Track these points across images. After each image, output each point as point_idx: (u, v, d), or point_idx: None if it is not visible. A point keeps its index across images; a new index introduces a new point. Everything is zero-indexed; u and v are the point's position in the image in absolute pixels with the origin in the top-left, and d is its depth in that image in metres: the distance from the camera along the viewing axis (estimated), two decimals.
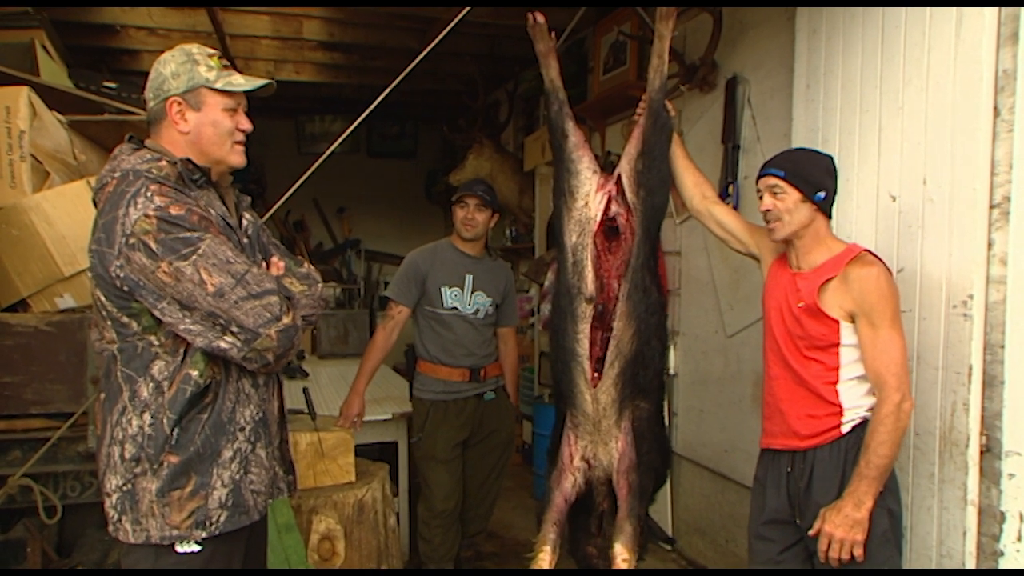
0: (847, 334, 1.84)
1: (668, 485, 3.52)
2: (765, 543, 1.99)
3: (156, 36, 4.41)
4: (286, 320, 1.50)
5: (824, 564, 1.80)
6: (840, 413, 1.86)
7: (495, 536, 3.66)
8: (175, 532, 1.49)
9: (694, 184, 2.20)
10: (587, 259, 2.15)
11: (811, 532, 1.81)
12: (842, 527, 1.74)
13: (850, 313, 1.83)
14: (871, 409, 1.84)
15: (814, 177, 1.88)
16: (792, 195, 1.88)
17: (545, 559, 2.09)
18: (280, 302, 1.50)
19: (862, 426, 1.84)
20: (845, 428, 1.86)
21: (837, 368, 1.86)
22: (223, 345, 1.46)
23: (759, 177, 1.95)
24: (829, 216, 1.93)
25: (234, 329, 1.45)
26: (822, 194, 1.88)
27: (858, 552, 1.75)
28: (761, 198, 1.94)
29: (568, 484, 2.19)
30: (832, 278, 1.85)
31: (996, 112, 1.91)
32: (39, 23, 3.35)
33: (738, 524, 3.14)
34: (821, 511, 1.80)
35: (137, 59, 4.75)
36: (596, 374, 2.12)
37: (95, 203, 1.55)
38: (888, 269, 1.85)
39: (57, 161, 2.60)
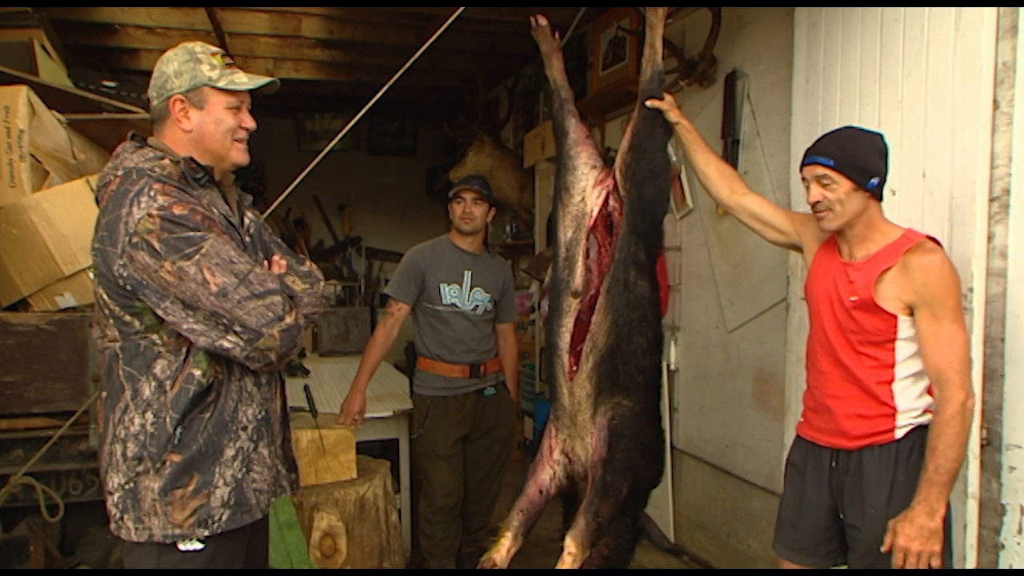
0: (904, 328, 1.73)
1: (669, 481, 3.52)
2: (800, 533, 1.92)
3: (155, 35, 4.41)
4: (289, 320, 1.50)
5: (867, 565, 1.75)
6: (893, 415, 1.76)
7: (497, 532, 3.66)
8: (177, 531, 1.49)
9: (720, 178, 2.11)
10: (579, 254, 2.14)
11: (884, 548, 1.69)
12: (918, 539, 1.63)
13: (909, 305, 1.71)
14: (926, 412, 1.76)
15: (866, 163, 1.74)
16: (843, 185, 1.73)
17: (505, 544, 2.10)
18: (283, 301, 1.51)
19: (916, 432, 1.76)
20: (899, 433, 1.77)
21: (892, 365, 1.76)
22: (226, 345, 1.46)
23: (803, 164, 1.81)
24: (881, 199, 1.80)
25: (237, 329, 1.45)
26: (875, 180, 1.74)
27: (936, 563, 1.65)
28: (808, 187, 1.80)
29: (545, 476, 2.18)
30: (889, 268, 1.72)
31: (995, 105, 1.91)
32: (38, 22, 3.35)
33: (739, 519, 3.14)
34: (891, 523, 1.68)
35: (136, 58, 4.75)
36: (574, 368, 2.11)
37: (97, 201, 1.55)
38: (948, 257, 1.74)
39: (56, 160, 2.60)
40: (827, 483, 1.87)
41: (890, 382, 1.77)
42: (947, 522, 1.75)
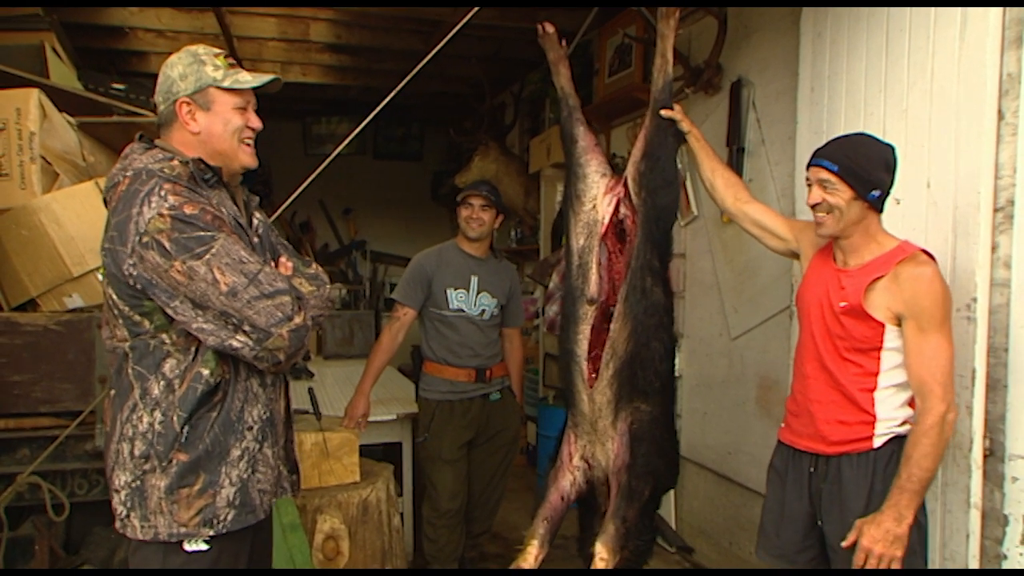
0: (891, 337, 1.75)
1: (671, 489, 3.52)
2: (781, 539, 1.95)
3: (164, 38, 4.45)
4: (297, 320, 1.51)
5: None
6: (872, 423, 1.79)
7: (499, 537, 3.66)
8: (183, 530, 1.50)
9: (725, 186, 2.15)
10: (592, 261, 2.16)
11: (845, 544, 1.73)
12: (882, 542, 1.66)
13: (897, 315, 1.73)
14: (906, 422, 1.78)
15: (871, 174, 1.75)
16: (844, 192, 1.75)
17: (532, 552, 2.11)
18: (292, 302, 1.52)
19: (895, 441, 1.78)
20: (877, 442, 1.79)
21: (876, 374, 1.78)
22: (235, 344, 1.47)
23: (810, 165, 1.82)
24: (882, 211, 1.82)
25: (246, 328, 1.46)
26: (876, 193, 1.76)
27: (896, 567, 1.68)
28: (810, 188, 1.82)
29: (566, 482, 2.20)
30: (881, 277, 1.75)
31: (1000, 115, 1.92)
32: (49, 25, 3.38)
33: (742, 527, 3.14)
34: (857, 523, 1.72)
35: (145, 61, 4.78)
36: (593, 374, 2.13)
37: (106, 202, 1.57)
38: (939, 271, 1.75)
39: (66, 162, 2.62)
40: (807, 489, 1.90)
41: (872, 390, 1.79)
42: (924, 528, 1.79)
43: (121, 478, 1.52)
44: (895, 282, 1.74)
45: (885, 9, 2.19)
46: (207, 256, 1.44)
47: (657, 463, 2.14)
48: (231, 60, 1.63)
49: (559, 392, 4.64)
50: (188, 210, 1.45)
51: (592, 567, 2.00)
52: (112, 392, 1.57)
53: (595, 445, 2.18)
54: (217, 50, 1.63)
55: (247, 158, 1.65)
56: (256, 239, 1.68)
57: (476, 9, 2.40)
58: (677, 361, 3.51)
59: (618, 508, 2.05)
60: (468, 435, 3.01)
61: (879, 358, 1.78)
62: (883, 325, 1.76)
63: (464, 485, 3.01)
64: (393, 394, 3.76)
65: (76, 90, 3.12)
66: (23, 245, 2.37)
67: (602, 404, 2.13)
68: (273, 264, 1.67)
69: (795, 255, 2.08)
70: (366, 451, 3.10)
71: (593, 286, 2.14)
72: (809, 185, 1.83)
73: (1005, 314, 1.90)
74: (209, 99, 1.58)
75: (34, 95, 2.46)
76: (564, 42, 2.33)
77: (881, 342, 1.77)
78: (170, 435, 1.50)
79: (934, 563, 2.01)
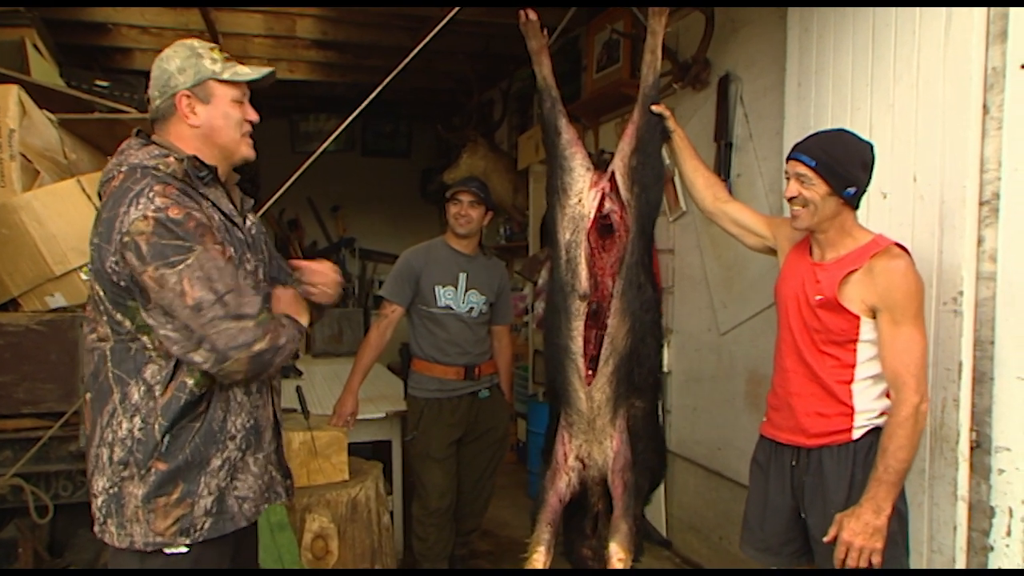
0: (867, 330, 1.78)
1: (662, 483, 3.52)
2: (765, 532, 1.97)
3: (149, 35, 4.40)
4: (259, 346, 1.46)
5: (830, 565, 1.77)
6: (851, 415, 1.81)
7: (489, 534, 3.66)
8: (159, 539, 1.48)
9: (705, 186, 2.17)
10: (581, 256, 2.14)
11: (827, 539, 1.75)
12: (861, 535, 1.68)
13: (872, 308, 1.76)
14: (883, 414, 1.80)
15: (847, 171, 1.76)
16: (820, 187, 1.77)
17: (539, 559, 2.08)
18: (256, 327, 1.47)
19: (874, 433, 1.79)
20: (856, 433, 1.81)
21: (853, 366, 1.80)
22: (196, 359, 1.45)
23: (789, 158, 1.84)
24: (857, 207, 1.84)
25: (206, 346, 1.44)
26: (852, 190, 1.77)
27: (876, 560, 1.69)
28: (788, 180, 1.84)
29: (562, 484, 2.18)
30: (855, 270, 1.77)
31: (985, 109, 1.92)
32: (30, 22, 3.34)
33: (732, 522, 3.15)
34: (837, 516, 1.74)
35: (129, 57, 4.73)
36: (590, 372, 2.11)
37: (100, 196, 1.55)
38: (913, 263, 1.76)
39: (47, 160, 2.59)
40: (789, 483, 1.91)
41: (849, 382, 1.82)
42: (904, 517, 1.81)
43: (99, 483, 1.50)
44: (869, 275, 1.76)
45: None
46: (180, 266, 1.42)
47: (652, 458, 2.15)
48: (226, 54, 1.63)
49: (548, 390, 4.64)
50: (173, 214, 1.43)
51: (610, 566, 2.00)
52: (88, 395, 1.54)
53: (592, 444, 2.16)
54: (211, 44, 1.63)
55: (248, 150, 1.65)
56: (250, 239, 1.66)
57: (457, 9, 2.38)
58: (665, 357, 3.53)
59: (627, 506, 2.05)
60: (457, 433, 3.00)
61: (855, 350, 1.80)
62: (858, 318, 1.78)
63: (453, 483, 3.00)
64: (382, 392, 3.74)
65: (57, 87, 3.09)
66: (3, 244, 2.33)
67: (601, 402, 2.11)
68: (269, 263, 1.64)
69: (773, 251, 2.09)
70: (355, 449, 3.08)
71: (584, 281, 2.13)
72: (787, 178, 1.85)
73: (991, 307, 1.91)
74: (209, 92, 1.57)
75: (13, 91, 2.42)
76: (546, 32, 2.32)
77: (857, 334, 1.79)
78: (150, 443, 1.47)
79: (921, 556, 2.02)
